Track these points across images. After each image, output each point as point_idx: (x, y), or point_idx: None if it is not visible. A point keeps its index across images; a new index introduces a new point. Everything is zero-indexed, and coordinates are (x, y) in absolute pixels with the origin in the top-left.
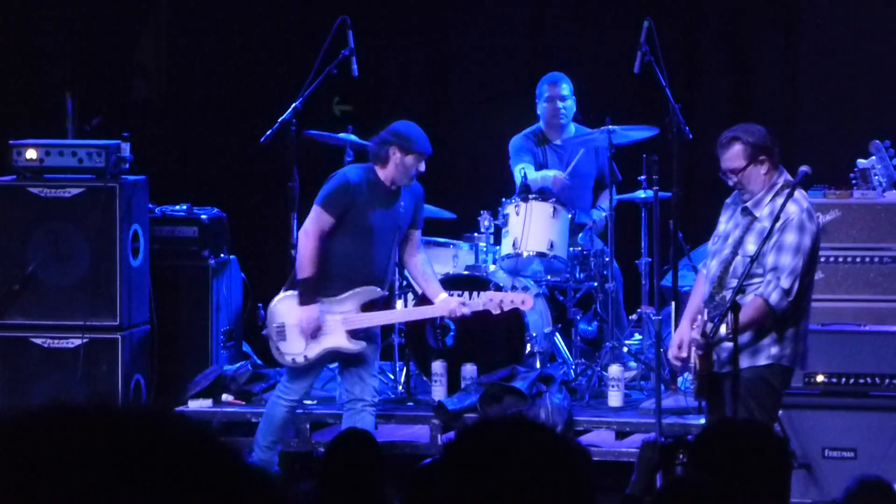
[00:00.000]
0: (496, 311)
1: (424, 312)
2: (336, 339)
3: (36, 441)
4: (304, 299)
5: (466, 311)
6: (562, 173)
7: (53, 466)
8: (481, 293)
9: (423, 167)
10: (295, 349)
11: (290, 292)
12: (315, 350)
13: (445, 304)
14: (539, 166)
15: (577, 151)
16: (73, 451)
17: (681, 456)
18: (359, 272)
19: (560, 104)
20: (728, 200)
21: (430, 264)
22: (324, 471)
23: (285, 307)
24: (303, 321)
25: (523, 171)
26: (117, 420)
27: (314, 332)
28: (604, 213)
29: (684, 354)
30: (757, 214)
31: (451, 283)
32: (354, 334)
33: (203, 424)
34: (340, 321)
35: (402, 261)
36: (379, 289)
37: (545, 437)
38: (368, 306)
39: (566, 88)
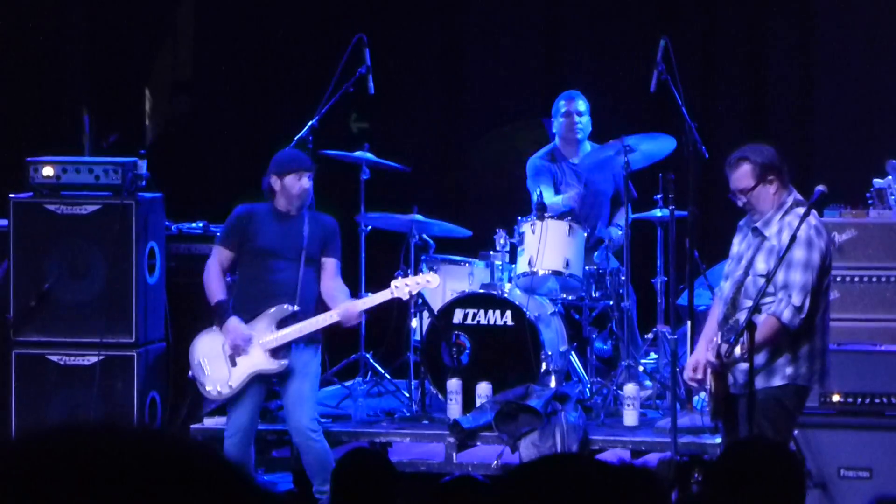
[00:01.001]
0: (406, 297)
1: (324, 320)
2: (255, 360)
3: (45, 462)
4: (219, 321)
5: (363, 306)
6: (576, 189)
7: (62, 487)
8: (391, 283)
9: (305, 183)
10: (218, 380)
11: (204, 331)
12: (238, 377)
13: (343, 307)
14: (556, 185)
15: (594, 171)
16: (82, 472)
17: (696, 475)
18: (267, 294)
19: (577, 119)
20: (741, 223)
21: (341, 290)
22: (334, 491)
23: (202, 344)
24: (229, 340)
25: (539, 192)
26: (126, 441)
27: (242, 349)
28: (620, 232)
29: (699, 376)
30: (766, 234)
31: (467, 300)
32: (275, 354)
33: (212, 445)
34: (258, 343)
35: (320, 290)
36: (289, 305)
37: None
38: (285, 324)
39: (582, 105)
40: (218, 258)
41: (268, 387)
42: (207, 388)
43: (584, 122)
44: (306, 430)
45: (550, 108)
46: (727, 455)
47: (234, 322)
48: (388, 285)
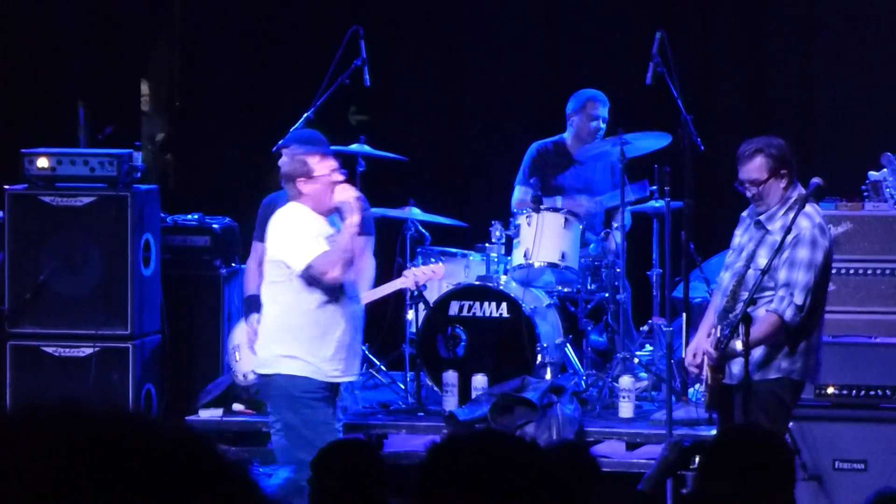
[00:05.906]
0: (413, 287)
1: None
2: None
3: (39, 441)
4: (245, 315)
5: (369, 298)
6: (590, 200)
7: (58, 468)
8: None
9: None
10: (245, 367)
11: (240, 322)
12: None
13: None
14: (551, 183)
15: (596, 168)
16: (77, 454)
17: (696, 460)
18: None
19: (602, 125)
20: (744, 214)
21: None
22: (316, 485)
23: (238, 332)
24: (248, 334)
25: (534, 181)
26: (119, 426)
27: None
28: (615, 226)
29: (699, 361)
30: (769, 228)
31: (463, 293)
32: None
33: (205, 436)
34: None
35: None
36: None
37: (518, 451)
38: None
39: (606, 111)
40: (253, 253)
41: None
42: (237, 376)
43: (603, 129)
44: None
45: (548, 98)
46: (720, 444)
47: (254, 317)
48: (386, 278)
